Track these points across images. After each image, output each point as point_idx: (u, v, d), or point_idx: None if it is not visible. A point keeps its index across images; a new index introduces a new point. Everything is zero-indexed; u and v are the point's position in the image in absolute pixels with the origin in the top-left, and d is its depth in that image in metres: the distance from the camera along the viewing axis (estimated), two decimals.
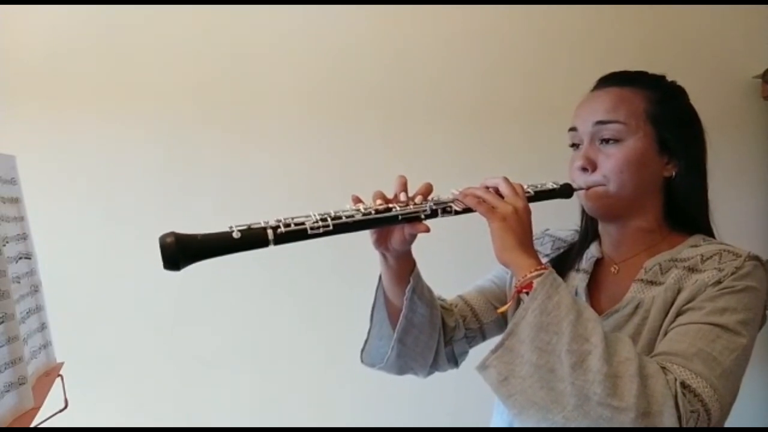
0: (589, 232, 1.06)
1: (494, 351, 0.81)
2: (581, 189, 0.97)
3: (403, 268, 0.96)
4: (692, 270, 0.89)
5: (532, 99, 1.68)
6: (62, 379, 0.94)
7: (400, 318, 0.97)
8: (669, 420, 0.73)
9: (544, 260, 1.05)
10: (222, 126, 1.60)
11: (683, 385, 0.75)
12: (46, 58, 1.53)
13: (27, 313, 0.89)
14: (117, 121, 1.55)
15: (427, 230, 0.88)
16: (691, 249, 0.94)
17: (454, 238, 1.51)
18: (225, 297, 1.59)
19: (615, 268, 1.00)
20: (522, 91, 1.68)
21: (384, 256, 0.95)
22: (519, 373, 0.78)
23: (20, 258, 0.89)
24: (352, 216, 0.81)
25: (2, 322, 0.75)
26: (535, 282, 0.81)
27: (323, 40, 1.62)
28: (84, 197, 1.55)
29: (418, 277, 0.98)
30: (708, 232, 0.99)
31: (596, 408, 0.73)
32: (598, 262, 1.02)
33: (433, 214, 0.88)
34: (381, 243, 0.93)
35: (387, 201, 0.88)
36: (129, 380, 1.57)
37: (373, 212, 0.83)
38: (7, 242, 0.84)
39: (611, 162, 0.93)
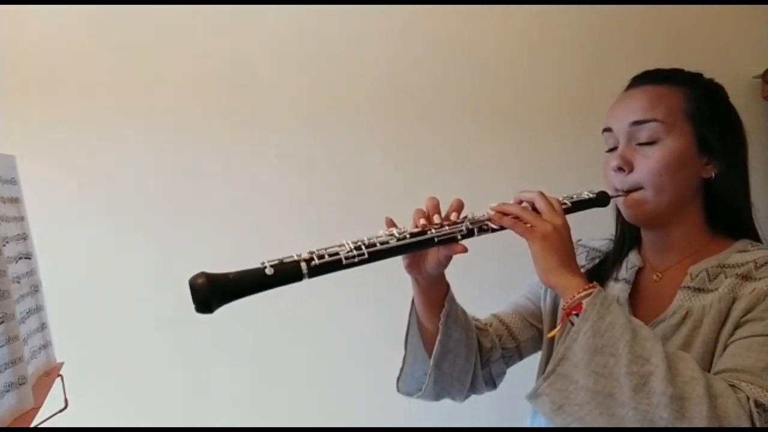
0: (626, 239, 1.02)
1: (545, 378, 0.77)
2: (618, 196, 0.93)
3: (437, 292, 0.93)
4: (746, 278, 0.85)
5: (535, 100, 1.68)
6: (62, 379, 0.94)
7: (436, 344, 0.93)
8: None
9: None
10: (224, 126, 1.59)
11: (757, 403, 0.71)
12: (47, 58, 1.52)
13: (27, 313, 0.89)
14: (117, 121, 1.55)
15: (465, 251, 0.84)
16: (739, 254, 0.89)
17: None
18: None
19: (657, 276, 0.96)
20: (523, 92, 1.68)
21: (416, 280, 0.92)
22: (575, 401, 0.75)
23: (20, 258, 0.89)
24: (387, 242, 0.78)
25: (2, 322, 0.75)
26: (585, 302, 0.77)
27: (326, 42, 1.62)
28: (84, 197, 1.55)
29: (453, 300, 0.94)
30: (754, 235, 0.94)
31: None
32: (639, 271, 0.98)
33: (470, 233, 0.84)
34: (414, 268, 0.90)
35: (421, 224, 0.84)
36: (129, 380, 1.57)
37: (408, 236, 0.80)
38: (7, 242, 0.84)
39: (649, 163, 0.89)
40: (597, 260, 1.06)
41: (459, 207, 0.87)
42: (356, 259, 0.75)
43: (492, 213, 0.86)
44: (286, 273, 0.72)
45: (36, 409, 0.80)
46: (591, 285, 0.80)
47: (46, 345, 0.96)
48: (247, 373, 1.62)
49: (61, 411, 0.88)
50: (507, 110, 1.68)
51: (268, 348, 1.62)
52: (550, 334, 0.94)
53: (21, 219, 0.92)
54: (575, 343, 0.76)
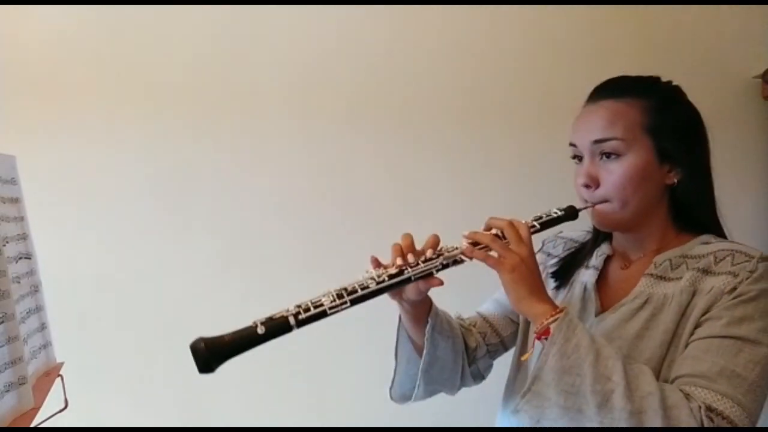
0: (599, 234, 1.08)
1: (523, 395, 0.84)
2: (586, 207, 0.98)
3: (421, 310, 0.99)
4: (706, 272, 0.90)
5: (533, 101, 1.68)
6: (62, 379, 0.94)
7: (423, 355, 0.99)
8: None
9: (553, 261, 1.09)
10: (225, 127, 1.60)
11: (709, 408, 0.77)
12: (47, 59, 1.53)
13: (27, 313, 0.89)
14: (117, 121, 1.55)
15: (441, 284, 0.90)
16: (702, 246, 0.94)
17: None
18: (226, 296, 1.59)
19: (624, 265, 1.01)
20: (522, 92, 1.69)
21: (400, 304, 0.98)
22: (549, 416, 0.82)
23: (20, 258, 0.89)
24: (367, 287, 0.85)
25: (2, 322, 0.75)
26: (552, 327, 0.83)
27: (325, 42, 1.62)
28: (84, 197, 1.55)
29: (436, 315, 1.00)
30: (717, 231, 0.99)
31: None
32: (608, 260, 1.04)
33: (444, 267, 0.90)
34: (396, 296, 0.96)
35: (397, 264, 0.90)
36: (129, 380, 1.57)
37: (386, 279, 0.86)
38: (7, 242, 0.84)
39: (613, 178, 0.94)
40: (572, 250, 1.11)
41: (434, 243, 0.92)
42: (340, 308, 0.83)
43: (465, 245, 0.90)
44: (276, 329, 0.83)
45: (36, 409, 0.80)
46: (558, 310, 0.85)
47: (46, 345, 0.96)
48: (248, 372, 1.62)
49: (61, 411, 0.88)
50: (515, 112, 1.68)
51: (268, 347, 1.62)
52: (524, 358, 1.01)
53: (21, 219, 0.92)
54: (545, 364, 0.82)
